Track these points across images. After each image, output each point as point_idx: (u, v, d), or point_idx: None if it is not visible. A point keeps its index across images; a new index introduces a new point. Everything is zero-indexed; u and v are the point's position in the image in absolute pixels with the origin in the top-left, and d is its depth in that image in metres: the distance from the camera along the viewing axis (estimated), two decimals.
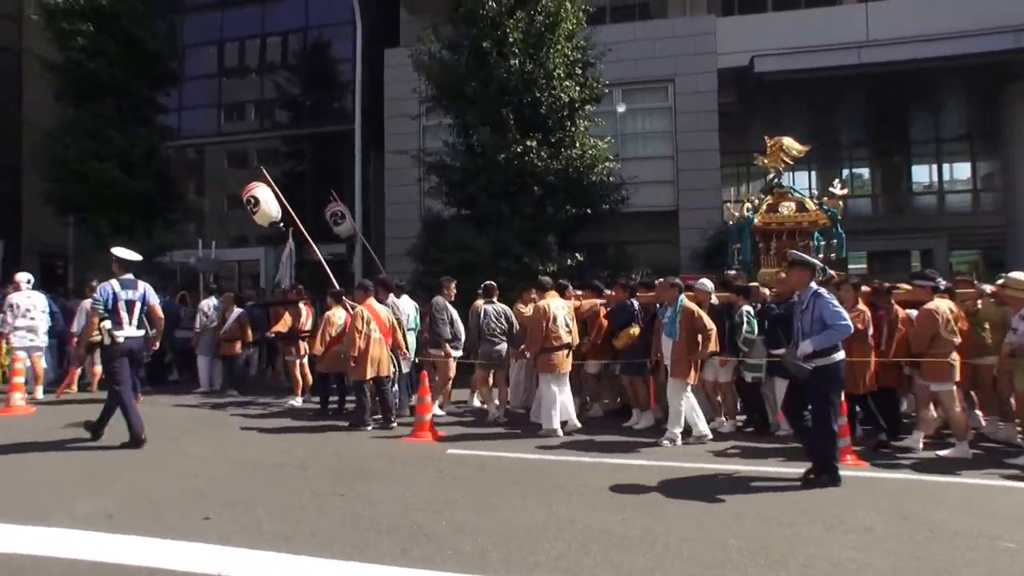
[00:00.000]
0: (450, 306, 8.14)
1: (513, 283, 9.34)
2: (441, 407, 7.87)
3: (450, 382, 8.09)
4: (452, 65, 10.23)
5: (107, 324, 5.81)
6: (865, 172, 19.39)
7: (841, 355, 4.71)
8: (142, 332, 6.00)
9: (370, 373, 6.88)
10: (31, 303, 8.64)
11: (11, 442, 6.06)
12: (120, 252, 6.09)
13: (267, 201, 8.87)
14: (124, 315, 5.83)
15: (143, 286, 6.02)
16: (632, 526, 3.74)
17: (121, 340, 5.82)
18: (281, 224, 9.26)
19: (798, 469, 4.84)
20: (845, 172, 19.01)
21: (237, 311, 9.57)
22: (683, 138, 14.07)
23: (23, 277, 8.74)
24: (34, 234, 22.99)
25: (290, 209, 9.12)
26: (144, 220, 13.51)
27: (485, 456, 5.64)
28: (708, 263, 12.81)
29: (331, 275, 8.43)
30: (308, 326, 8.79)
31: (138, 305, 5.91)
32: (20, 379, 7.94)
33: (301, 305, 9.00)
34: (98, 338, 6.49)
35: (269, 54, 18.32)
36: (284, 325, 8.74)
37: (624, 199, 11.05)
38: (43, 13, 13.17)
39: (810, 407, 4.70)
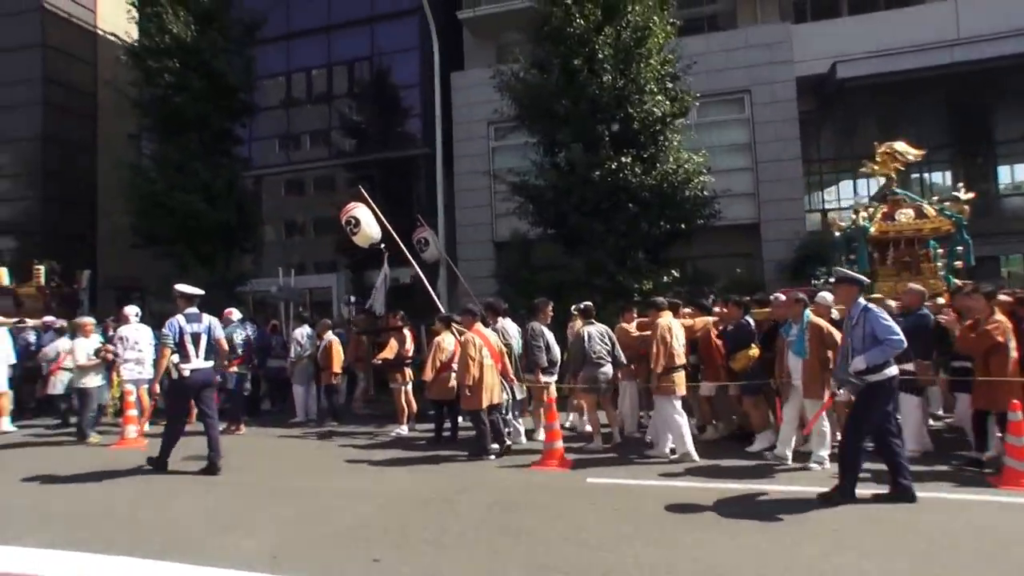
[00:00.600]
0: (547, 331, 7.93)
1: (606, 302, 9.09)
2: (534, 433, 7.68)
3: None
4: (541, 84, 10.08)
5: (175, 358, 6.04)
6: (946, 175, 18.51)
7: (893, 370, 4.64)
8: (209, 364, 6.20)
9: (486, 401, 6.68)
10: (139, 336, 8.70)
11: (140, 475, 6.07)
12: (183, 288, 6.33)
13: (367, 222, 8.84)
14: (191, 348, 6.02)
15: (208, 319, 6.25)
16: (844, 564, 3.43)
17: (188, 373, 6.01)
18: (381, 244, 9.20)
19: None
20: (925, 176, 18.23)
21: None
22: (763, 149, 13.68)
23: (131, 310, 8.83)
24: (108, 269, 23.82)
25: (391, 229, 9.07)
26: (224, 250, 13.72)
27: (629, 485, 5.35)
28: (795, 275, 12.35)
29: (437, 300, 8.27)
30: (411, 352, 8.67)
31: (204, 338, 6.11)
32: (133, 412, 8.00)
33: (405, 331, 8.87)
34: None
35: (335, 83, 18.60)
36: (391, 351, 8.57)
37: (717, 213, 10.69)
38: (130, 53, 13.59)
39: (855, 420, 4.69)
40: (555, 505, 4.78)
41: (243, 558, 3.78)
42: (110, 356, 8.46)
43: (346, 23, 18.34)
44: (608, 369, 7.17)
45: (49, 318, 10.93)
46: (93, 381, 8.40)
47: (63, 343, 9.78)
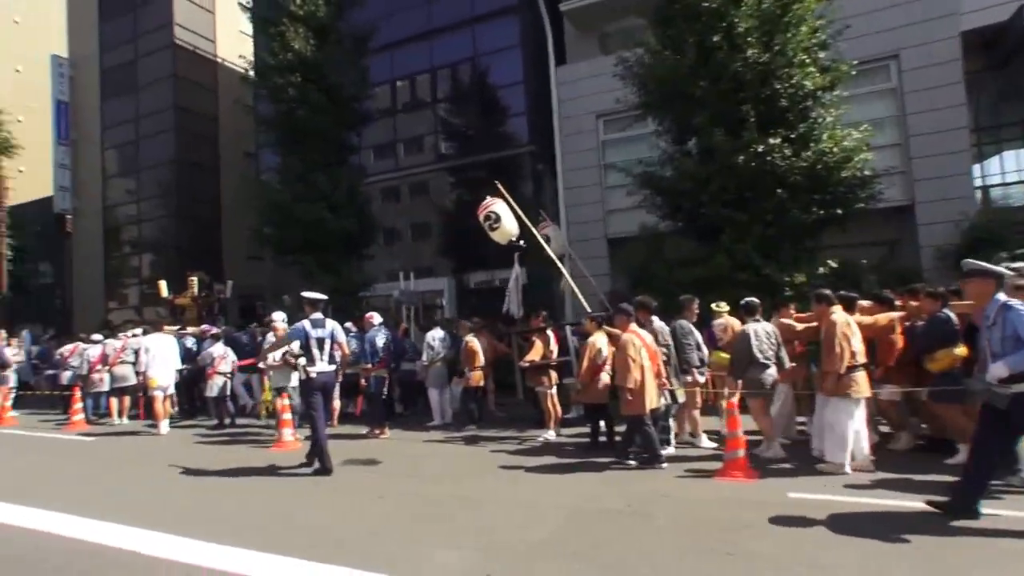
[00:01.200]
0: (695, 329, 7.38)
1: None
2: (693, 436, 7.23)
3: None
4: (673, 66, 9.43)
5: (302, 360, 6.43)
6: None
7: None
8: (332, 367, 6.55)
9: (648, 406, 6.21)
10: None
11: (303, 478, 6.06)
12: (309, 294, 6.69)
13: (507, 218, 8.59)
14: (316, 352, 6.37)
15: (331, 324, 6.57)
16: None
17: (314, 375, 6.37)
18: (520, 241, 8.93)
19: None
20: None
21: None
22: (916, 121, 12.20)
23: (279, 316, 9.03)
24: (233, 278, 25.38)
25: (529, 224, 8.78)
26: (346, 257, 14.01)
27: (839, 502, 4.64)
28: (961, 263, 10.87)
29: (583, 300, 7.86)
30: (555, 355, 8.33)
31: (328, 342, 6.43)
32: (288, 415, 8.14)
33: (548, 332, 8.55)
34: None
35: (439, 87, 18.69)
36: (537, 353, 8.27)
37: (879, 193, 9.58)
38: (258, 72, 14.20)
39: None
40: (772, 525, 4.18)
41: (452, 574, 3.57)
42: (292, 360, 8.73)
43: (447, 27, 18.40)
44: (774, 371, 6.51)
45: (205, 326, 11.58)
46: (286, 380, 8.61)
47: (218, 348, 10.27)
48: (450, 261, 17.73)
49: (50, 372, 13.80)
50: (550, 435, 7.91)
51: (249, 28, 27.64)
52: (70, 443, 9.14)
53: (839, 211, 9.20)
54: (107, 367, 10.98)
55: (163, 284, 14.58)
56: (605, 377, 6.96)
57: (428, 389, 9.85)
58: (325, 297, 6.86)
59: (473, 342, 9.23)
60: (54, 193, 27.23)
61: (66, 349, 12.74)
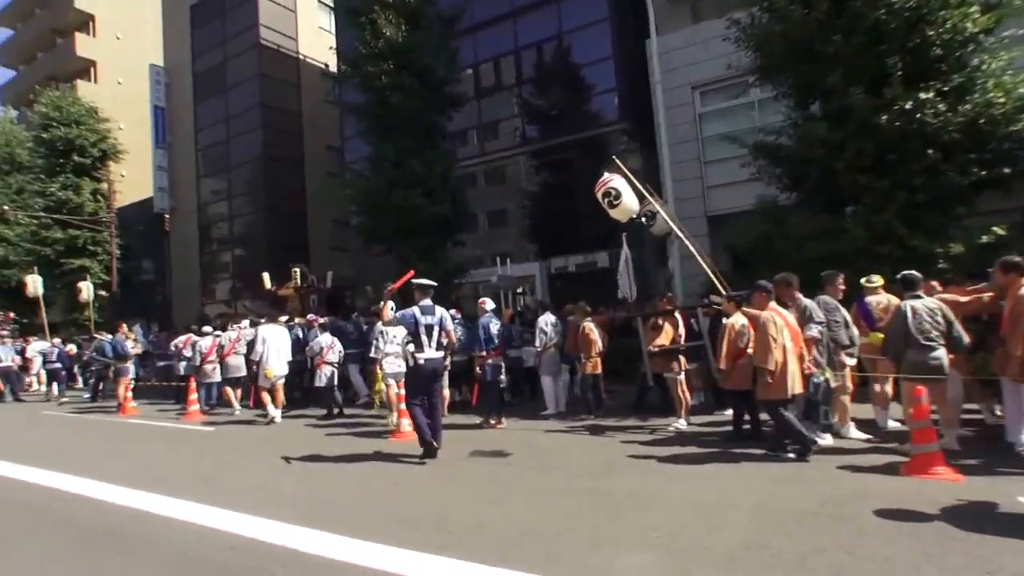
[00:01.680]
0: (841, 307, 6.63)
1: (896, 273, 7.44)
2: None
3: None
4: (800, 22, 8.58)
5: (410, 347, 6.42)
6: None
7: None
8: (440, 354, 6.40)
9: (791, 390, 5.62)
10: (397, 330, 8.75)
11: (450, 474, 5.78)
12: (419, 280, 6.61)
13: (627, 194, 8.06)
14: (424, 338, 6.27)
15: (440, 311, 6.43)
16: None
17: (422, 361, 6.27)
18: (643, 218, 8.39)
19: None
20: None
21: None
22: None
23: (389, 305, 8.87)
24: (317, 271, 26.01)
25: (652, 200, 8.24)
26: (440, 243, 13.85)
27: None
28: None
29: (718, 281, 7.26)
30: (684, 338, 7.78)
31: (436, 329, 6.30)
32: (403, 405, 7.92)
33: (676, 315, 8.00)
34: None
35: (524, 68, 18.25)
36: (666, 337, 7.74)
37: None
38: (349, 63, 14.20)
39: None
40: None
41: None
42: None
43: (532, 4, 17.94)
44: (940, 353, 5.68)
45: (311, 316, 11.69)
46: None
47: (325, 338, 10.28)
48: (537, 246, 17.33)
49: (163, 364, 14.40)
50: (681, 424, 7.38)
51: (327, 24, 28.32)
52: (193, 433, 9.31)
53: (1006, 170, 8.09)
54: (220, 358, 11.18)
55: (266, 276, 14.93)
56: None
57: (541, 376, 9.50)
58: (435, 284, 6.72)
59: (590, 327, 8.83)
60: (154, 194, 28.70)
61: (180, 341, 13.18)
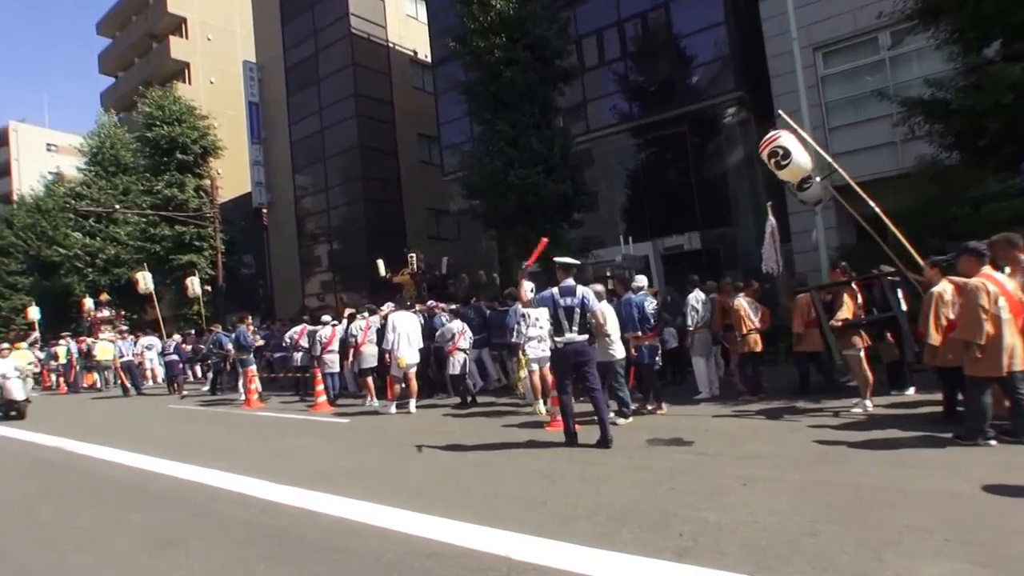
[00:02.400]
0: None
1: None
2: None
3: None
4: None
5: (550, 330, 6.08)
6: None
7: None
8: (584, 337, 5.90)
9: (1004, 367, 4.73)
10: (540, 312, 8.18)
11: (644, 466, 5.10)
12: (561, 259, 6.22)
13: (798, 152, 7.19)
14: (564, 321, 5.86)
15: (582, 291, 5.94)
16: None
17: (561, 345, 5.90)
18: (817, 178, 7.51)
19: None
20: None
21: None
22: None
23: (527, 286, 8.34)
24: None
25: (828, 156, 7.33)
26: (561, 223, 13.20)
27: None
28: None
29: (894, 259, 6.36)
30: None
31: (577, 311, 5.85)
32: (553, 392, 7.33)
33: (854, 286, 7.08)
34: None
35: (629, 39, 17.25)
36: (849, 311, 6.86)
37: None
38: (457, 39, 13.73)
39: None
40: None
41: None
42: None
43: None
44: None
45: (431, 302, 11.34)
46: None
47: (456, 324, 9.86)
48: (647, 225, 16.42)
49: (280, 355, 14.48)
50: (868, 405, 6.59)
51: (414, 11, 28.16)
52: (329, 425, 8.98)
53: None
54: (355, 348, 10.81)
55: (381, 263, 14.76)
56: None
57: (693, 358, 8.73)
58: (578, 262, 6.31)
59: (740, 303, 8.06)
60: (252, 189, 29.51)
61: (295, 331, 13.13)
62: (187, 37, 38.84)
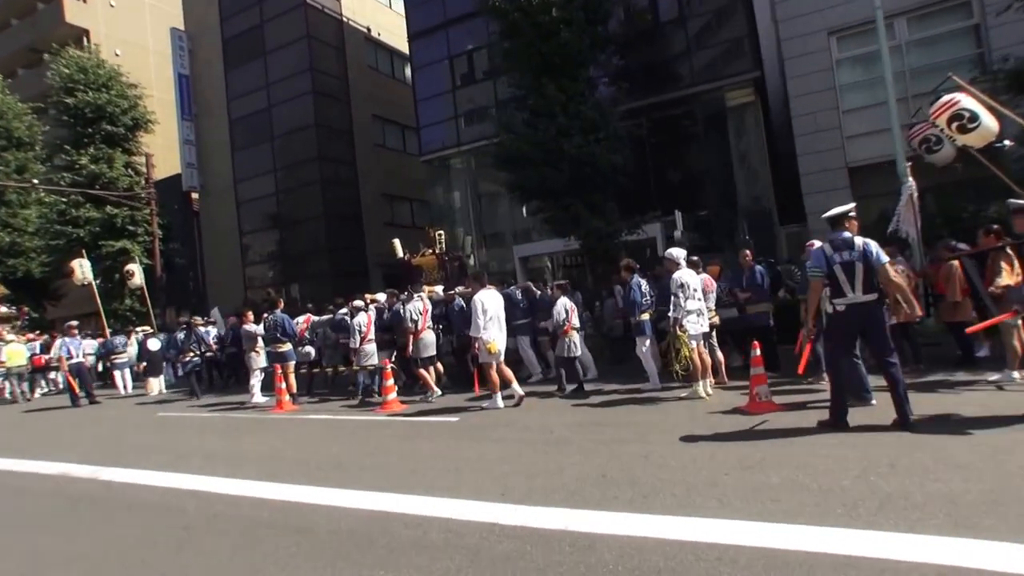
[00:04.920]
0: None
1: None
2: None
3: None
4: None
5: (826, 292, 5.21)
6: None
7: None
8: (872, 296, 4.94)
9: None
10: (697, 282, 7.46)
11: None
12: (837, 210, 5.20)
13: (984, 113, 6.96)
14: (844, 278, 4.96)
15: (862, 242, 4.95)
16: None
17: (842, 308, 5.03)
18: (1005, 142, 7.31)
19: None
20: None
21: None
22: None
23: (679, 254, 7.54)
24: (372, 247, 24.45)
25: (1013, 115, 7.14)
26: (610, 195, 12.50)
27: None
28: None
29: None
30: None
31: (859, 266, 4.91)
32: (760, 369, 6.21)
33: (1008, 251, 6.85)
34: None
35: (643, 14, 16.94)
36: (1012, 276, 6.59)
37: None
38: (492, 9, 12.63)
39: None
40: None
41: None
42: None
43: None
44: None
45: (460, 287, 10.20)
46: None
47: (565, 302, 8.83)
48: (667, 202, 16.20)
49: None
50: (1016, 375, 6.26)
51: None
52: (444, 426, 7.16)
53: None
54: (415, 335, 9.37)
55: (397, 243, 13.29)
56: None
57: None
58: (844, 209, 5.19)
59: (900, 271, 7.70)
60: (182, 171, 26.34)
61: (299, 321, 11.45)
62: (85, 1, 34.14)
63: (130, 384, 14.74)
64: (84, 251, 18.49)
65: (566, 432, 6.01)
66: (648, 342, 8.09)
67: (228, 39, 25.75)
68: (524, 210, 14.76)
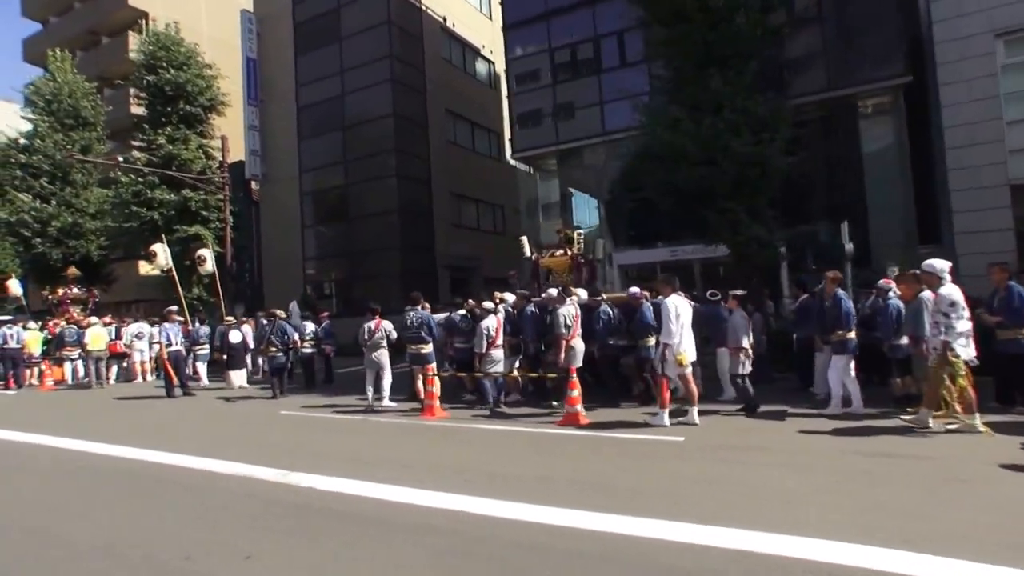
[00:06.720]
0: None
1: None
2: None
3: None
4: None
5: None
6: None
7: None
8: None
9: None
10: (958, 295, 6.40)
11: None
12: None
13: None
14: None
15: None
16: None
17: None
18: None
19: None
20: None
21: None
22: None
23: (941, 266, 6.54)
24: (440, 247, 23.44)
25: None
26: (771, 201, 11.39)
27: None
28: None
29: None
30: None
31: None
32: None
33: None
34: None
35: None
36: None
37: None
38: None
39: None
40: None
41: None
42: None
43: None
44: None
45: (633, 289, 9.06)
46: None
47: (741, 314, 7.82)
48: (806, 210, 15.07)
49: None
50: None
51: None
52: (670, 446, 6.21)
53: None
54: (567, 341, 8.34)
55: (525, 240, 12.26)
56: None
57: None
58: None
59: None
60: (245, 158, 25.41)
61: (371, 324, 10.25)
62: None
63: (204, 376, 13.96)
64: (163, 235, 17.58)
65: (858, 460, 5.24)
66: (850, 362, 7.37)
67: (300, 23, 24.85)
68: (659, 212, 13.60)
